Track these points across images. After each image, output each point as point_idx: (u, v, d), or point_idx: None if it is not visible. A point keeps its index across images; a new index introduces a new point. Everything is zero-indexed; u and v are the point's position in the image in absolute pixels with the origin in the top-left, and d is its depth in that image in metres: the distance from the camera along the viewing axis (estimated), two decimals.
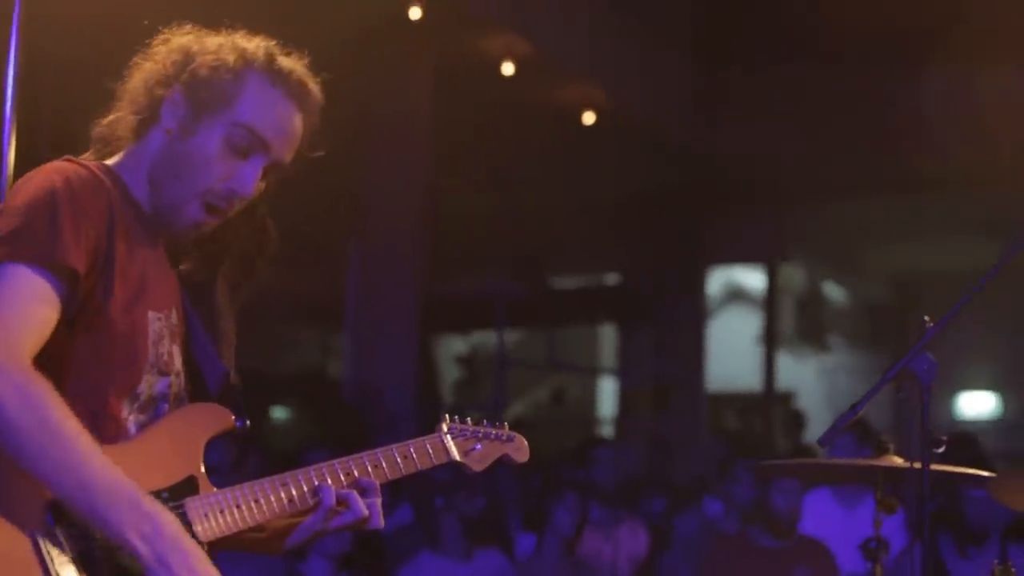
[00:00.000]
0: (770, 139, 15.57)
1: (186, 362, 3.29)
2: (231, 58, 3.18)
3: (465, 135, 13.73)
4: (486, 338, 19.83)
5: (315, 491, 3.25)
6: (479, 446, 3.59)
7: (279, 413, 17.72)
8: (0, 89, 4.26)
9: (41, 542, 2.80)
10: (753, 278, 20.26)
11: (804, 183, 16.45)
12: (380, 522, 3.32)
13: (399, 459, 3.40)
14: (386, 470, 3.37)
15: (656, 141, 15.78)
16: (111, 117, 3.29)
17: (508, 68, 13.13)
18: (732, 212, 17.36)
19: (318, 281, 15.54)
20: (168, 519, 2.83)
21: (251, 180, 3.16)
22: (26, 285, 2.86)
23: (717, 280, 20.27)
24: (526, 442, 3.72)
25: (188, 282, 3.35)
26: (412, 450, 3.43)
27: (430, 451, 3.47)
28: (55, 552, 2.80)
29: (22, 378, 2.77)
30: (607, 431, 19.27)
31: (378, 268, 13.32)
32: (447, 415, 3.61)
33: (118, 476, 2.81)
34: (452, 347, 21.01)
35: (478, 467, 3.60)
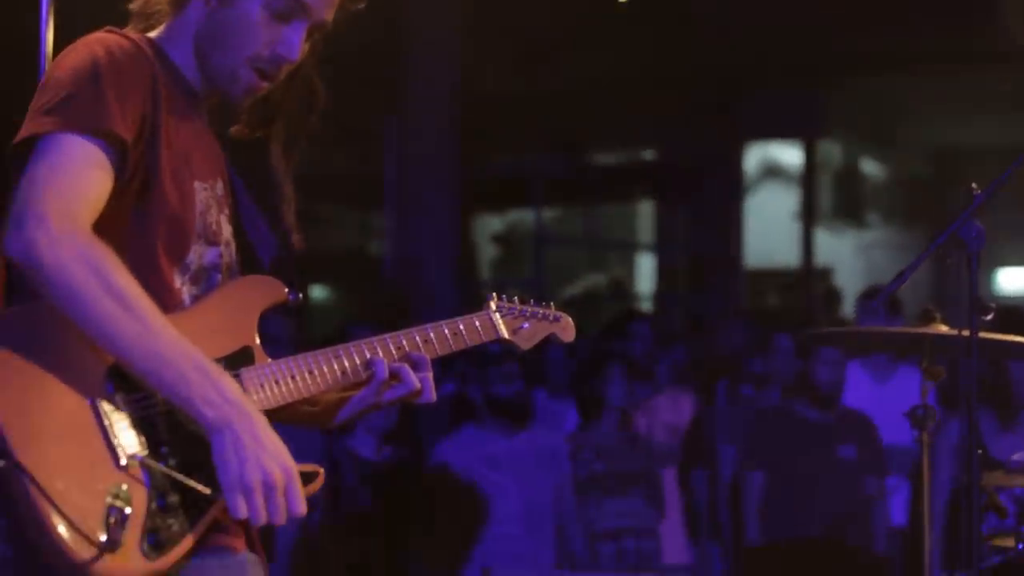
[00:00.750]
0: (807, 12, 15.42)
1: (236, 234, 3.32)
2: None
3: (499, 13, 13.65)
4: (524, 216, 19.82)
5: (368, 364, 3.27)
6: (527, 324, 3.60)
7: (320, 292, 17.84)
8: None
9: (100, 406, 2.82)
10: (790, 154, 20.16)
11: (842, 57, 16.32)
12: (432, 396, 3.34)
13: (449, 335, 3.41)
14: (436, 345, 3.38)
15: (691, 17, 15.65)
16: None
17: None
18: (769, 88, 17.26)
19: (356, 161, 15.56)
20: (233, 386, 2.87)
21: (296, 44, 3.17)
22: (79, 153, 2.88)
23: (754, 156, 20.17)
24: (572, 322, 3.74)
25: (234, 149, 3.38)
26: (461, 326, 3.44)
27: (479, 328, 3.48)
28: (114, 416, 2.83)
29: (84, 244, 2.79)
30: (645, 307, 19.27)
31: (416, 146, 13.34)
32: (495, 293, 3.62)
33: (182, 342, 2.84)
34: (490, 226, 21.02)
35: (525, 345, 3.62)
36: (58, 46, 3.88)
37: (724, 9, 15.56)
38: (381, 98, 13.52)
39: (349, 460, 7.38)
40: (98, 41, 3.04)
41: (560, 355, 9.60)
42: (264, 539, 3.16)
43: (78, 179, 2.87)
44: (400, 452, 7.72)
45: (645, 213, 21.11)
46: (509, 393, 7.55)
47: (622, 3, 13.76)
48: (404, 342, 3.34)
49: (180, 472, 2.87)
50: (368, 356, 3.28)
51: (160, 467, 2.84)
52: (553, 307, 3.72)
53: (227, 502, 2.84)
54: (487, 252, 20.40)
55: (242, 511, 2.83)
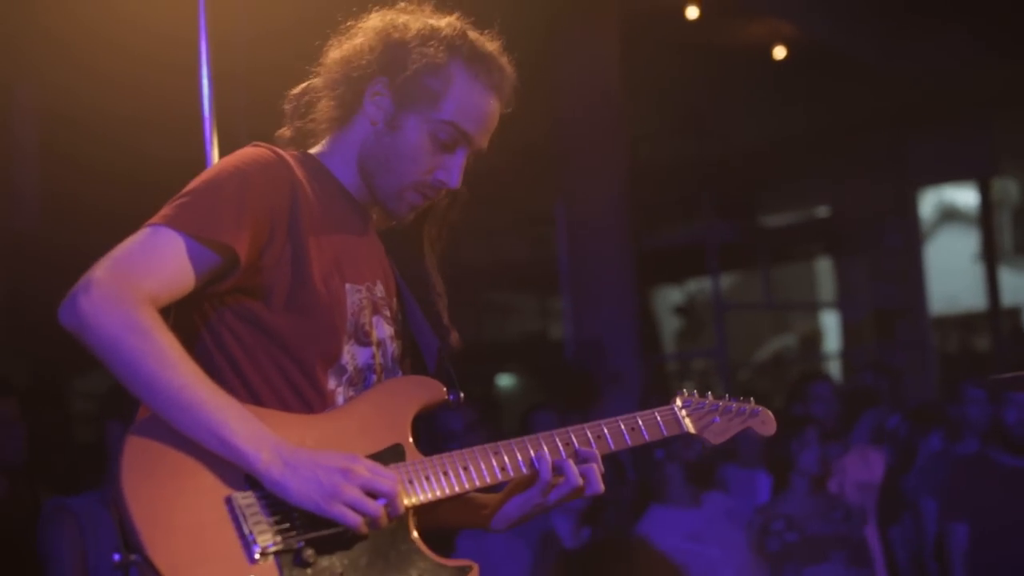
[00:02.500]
0: (967, 51, 15.20)
1: (400, 336, 3.37)
2: (434, 51, 3.25)
3: (656, 83, 13.69)
4: (702, 285, 19.76)
5: (531, 461, 3.23)
6: (717, 419, 3.56)
7: (505, 380, 17.91)
8: (198, 89, 4.43)
9: (235, 501, 2.86)
10: (966, 195, 19.86)
11: (1011, 92, 16.05)
12: (599, 487, 3.27)
13: (625, 430, 3.38)
14: (610, 441, 3.35)
15: (851, 67, 15.53)
16: (302, 87, 3.41)
17: (692, 12, 13.04)
18: (938, 130, 17.02)
19: (531, 248, 15.67)
20: (272, 432, 2.90)
21: (457, 172, 3.27)
22: (169, 244, 2.97)
23: (929, 201, 19.90)
24: (772, 415, 3.68)
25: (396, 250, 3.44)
26: (640, 422, 3.41)
27: (660, 423, 3.45)
28: (249, 511, 2.86)
29: (127, 307, 2.84)
30: (834, 366, 19.05)
31: (587, 225, 13.36)
32: (684, 390, 3.58)
33: (222, 395, 2.89)
34: (669, 298, 20.98)
35: (717, 440, 3.56)
36: None
37: (884, 56, 15.42)
38: (550, 182, 13.60)
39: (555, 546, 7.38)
40: (237, 154, 3.16)
41: None
42: None
43: (151, 261, 2.96)
44: (598, 533, 7.70)
45: (824, 270, 20.92)
46: (699, 456, 7.49)
47: (778, 60, 13.72)
48: (573, 438, 3.30)
49: (323, 567, 2.88)
50: (532, 453, 3.25)
51: (294, 564, 2.85)
52: (752, 401, 3.66)
53: (337, 519, 2.85)
54: (669, 324, 20.35)
55: (353, 518, 2.85)
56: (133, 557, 2.73)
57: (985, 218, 18.79)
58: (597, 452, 3.31)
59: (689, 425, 3.50)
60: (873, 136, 16.85)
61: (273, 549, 2.84)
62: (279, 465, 2.84)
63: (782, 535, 7.63)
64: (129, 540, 2.75)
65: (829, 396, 9.11)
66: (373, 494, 2.89)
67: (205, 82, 4.51)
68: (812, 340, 19.53)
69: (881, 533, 8.49)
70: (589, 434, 3.33)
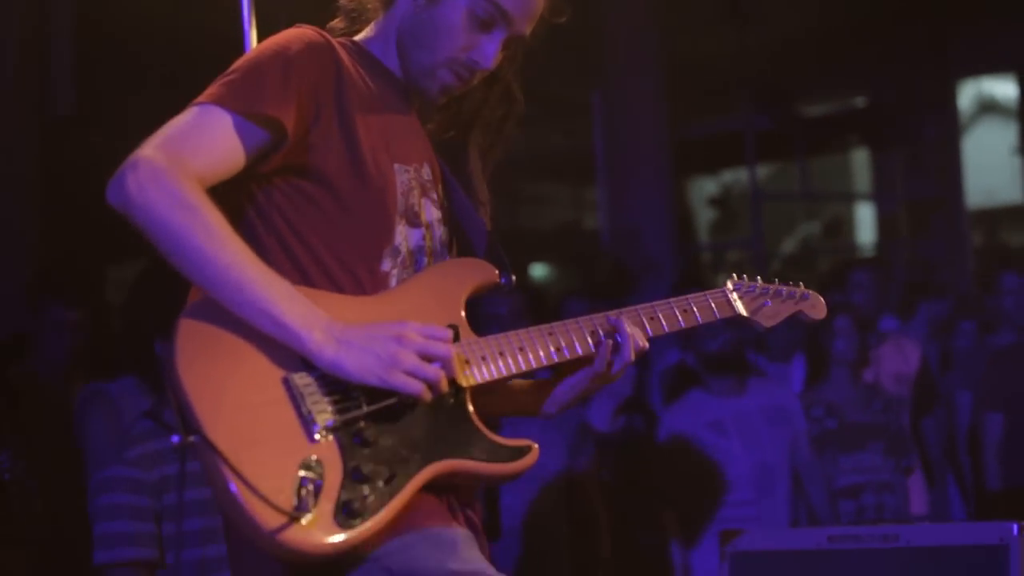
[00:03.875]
0: None
1: (448, 221, 3.33)
2: None
3: None
4: (738, 175, 19.70)
5: (586, 341, 3.20)
6: (768, 303, 3.52)
7: (539, 270, 17.92)
8: None
9: (292, 380, 2.83)
10: (1006, 88, 19.68)
11: None
12: (630, 356, 3.22)
13: (678, 312, 3.35)
14: (663, 322, 3.32)
15: None
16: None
17: None
18: (979, 20, 16.82)
19: (566, 136, 15.63)
20: (322, 311, 2.87)
21: (492, 53, 3.20)
22: (217, 122, 2.95)
23: (968, 93, 19.74)
24: (822, 300, 3.65)
25: (442, 151, 3.40)
26: (693, 304, 3.38)
27: (713, 306, 3.42)
28: (307, 390, 2.83)
29: (174, 183, 2.81)
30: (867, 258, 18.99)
31: (623, 116, 13.33)
32: (734, 274, 3.56)
33: (271, 274, 2.86)
34: (704, 188, 20.93)
35: (769, 323, 3.54)
36: None
37: None
38: (585, 72, 13.54)
39: (585, 432, 7.40)
40: (283, 34, 3.13)
41: None
42: (491, 519, 3.17)
43: (200, 139, 2.93)
44: (633, 421, 7.72)
45: (861, 161, 20.82)
46: (719, 346, 7.45)
47: None
48: (627, 318, 3.27)
49: (381, 444, 2.86)
50: (586, 332, 3.22)
51: (352, 440, 2.83)
52: (802, 286, 3.64)
53: (399, 389, 2.84)
54: (703, 215, 20.31)
55: (415, 385, 2.84)
56: (192, 438, 2.71)
57: None
58: (650, 331, 3.30)
59: (741, 308, 3.48)
60: (912, 26, 16.68)
61: (333, 426, 2.82)
62: (332, 344, 2.82)
63: (822, 421, 7.65)
64: (188, 422, 2.74)
65: (869, 284, 9.04)
66: (428, 358, 2.88)
67: (248, 21, 4.48)
68: (837, 225, 19.30)
69: (915, 424, 8.48)
70: (642, 315, 3.31)
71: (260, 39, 4.06)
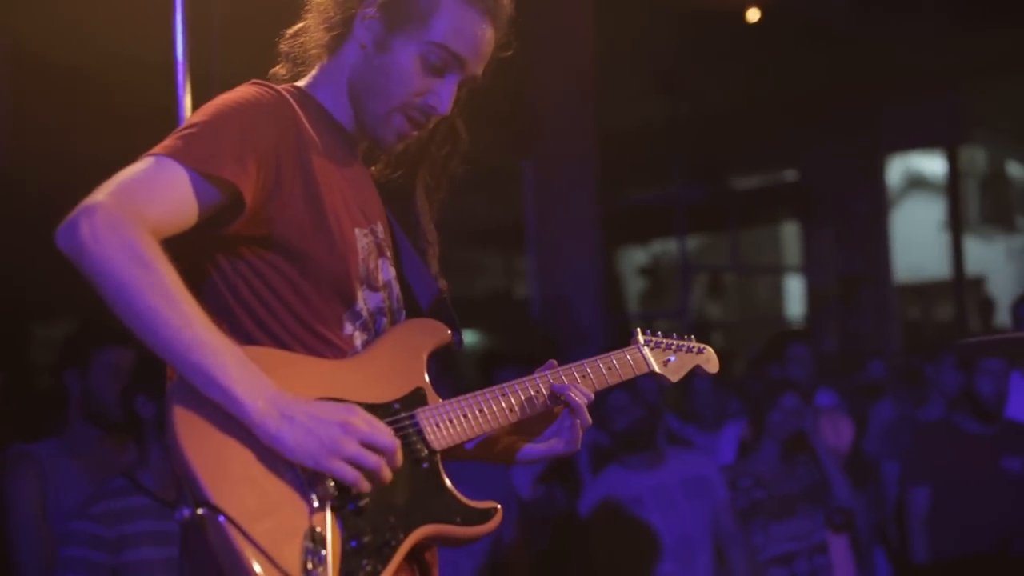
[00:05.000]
0: (940, 20, 15.23)
1: (399, 277, 3.35)
2: None
3: (629, 43, 13.65)
4: (668, 246, 19.80)
5: (553, 395, 3.30)
6: (673, 358, 3.62)
7: (469, 337, 17.91)
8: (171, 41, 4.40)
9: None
10: (933, 164, 19.92)
11: (978, 61, 16.09)
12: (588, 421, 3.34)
13: (604, 370, 3.43)
14: (593, 380, 3.41)
15: (823, 32, 15.55)
16: (298, 26, 3.36)
17: None
18: (908, 97, 17.06)
19: (498, 205, 15.66)
20: (269, 380, 2.83)
21: (447, 98, 3.21)
22: (173, 176, 2.89)
23: (896, 169, 19.95)
24: (714, 353, 3.74)
25: (388, 195, 3.41)
26: (615, 361, 3.47)
27: (631, 363, 3.51)
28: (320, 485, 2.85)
29: (131, 236, 2.74)
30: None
31: (554, 185, 13.35)
32: (639, 328, 3.63)
33: (222, 337, 2.81)
34: (635, 258, 21.01)
35: (674, 377, 3.62)
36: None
37: (856, 20, 15.43)
38: (517, 141, 13.58)
39: (511, 499, 7.37)
40: (240, 92, 3.10)
41: (707, 387, 9.55)
42: None
43: (155, 190, 2.87)
44: (553, 491, 7.69)
45: (790, 235, 20.98)
46: (626, 424, 7.46)
47: (751, 24, 13.69)
48: (564, 377, 3.36)
49: (372, 512, 2.90)
50: (533, 392, 3.30)
51: (347, 509, 2.86)
52: (694, 339, 3.72)
53: (332, 474, 2.80)
54: (634, 285, 20.38)
55: (352, 474, 2.81)
56: (201, 511, 2.68)
57: (952, 187, 18.85)
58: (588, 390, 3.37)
59: (654, 364, 3.56)
60: (843, 102, 16.89)
61: (332, 495, 2.83)
62: (275, 417, 2.77)
63: (749, 492, 7.66)
64: (194, 494, 2.71)
65: (806, 358, 9.11)
66: (372, 448, 2.85)
67: (179, 26, 4.48)
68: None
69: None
70: (576, 374, 3.38)
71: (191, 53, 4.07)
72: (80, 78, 9.22)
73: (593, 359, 3.44)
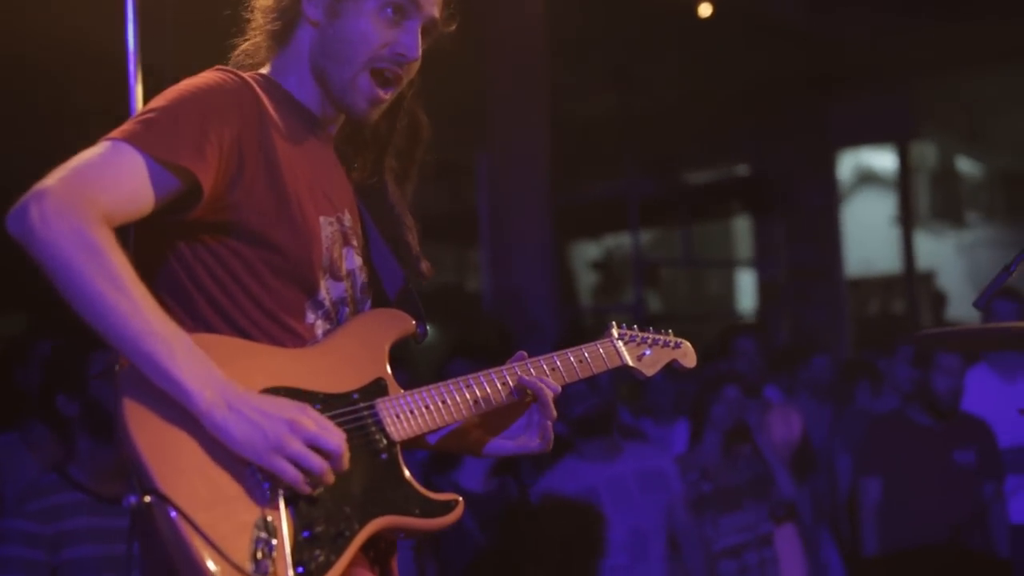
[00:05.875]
0: (890, 15, 15.28)
1: (367, 266, 3.33)
2: None
3: (582, 36, 13.67)
4: (621, 240, 19.81)
5: (517, 389, 3.30)
6: (648, 351, 3.63)
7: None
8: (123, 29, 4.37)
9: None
10: (884, 159, 20.01)
11: (929, 57, 16.17)
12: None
13: (575, 362, 3.43)
14: (563, 373, 3.40)
15: (775, 27, 15.59)
16: (245, 44, 3.34)
17: None
18: (859, 92, 17.12)
19: (450, 198, 15.64)
20: (218, 370, 2.81)
21: (413, 42, 3.19)
22: (129, 162, 2.86)
23: (847, 164, 20.03)
24: (692, 348, 3.75)
25: (362, 187, 3.40)
26: (586, 354, 3.47)
27: (603, 355, 3.51)
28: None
29: (81, 222, 2.72)
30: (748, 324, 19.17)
31: (507, 179, 13.33)
32: (614, 322, 3.63)
33: (172, 325, 2.79)
34: (587, 252, 21.02)
35: (649, 372, 3.63)
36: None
37: (807, 16, 15.47)
38: (471, 133, 13.56)
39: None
40: (202, 77, 3.07)
41: (661, 381, 9.55)
42: None
43: (109, 176, 2.84)
44: (506, 484, 7.66)
45: (742, 229, 21.04)
46: (584, 410, 7.46)
47: (703, 18, 13.72)
48: (532, 370, 3.35)
49: (326, 502, 2.88)
50: (501, 383, 3.30)
51: (301, 499, 2.85)
52: (672, 334, 3.72)
53: (274, 472, 2.79)
54: (585, 279, 20.39)
55: (293, 474, 2.80)
56: (148, 499, 2.67)
57: (903, 182, 18.93)
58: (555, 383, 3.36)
59: (627, 357, 3.56)
60: (794, 97, 16.93)
61: (280, 486, 2.81)
62: (222, 408, 2.76)
63: (697, 485, 7.69)
64: (142, 481, 2.70)
65: (753, 351, 9.15)
66: (318, 449, 2.83)
67: (130, 16, 4.44)
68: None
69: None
70: (545, 366, 3.38)
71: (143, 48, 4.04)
72: (29, 69, 9.14)
73: (564, 351, 3.43)
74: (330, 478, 2.86)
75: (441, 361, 9.45)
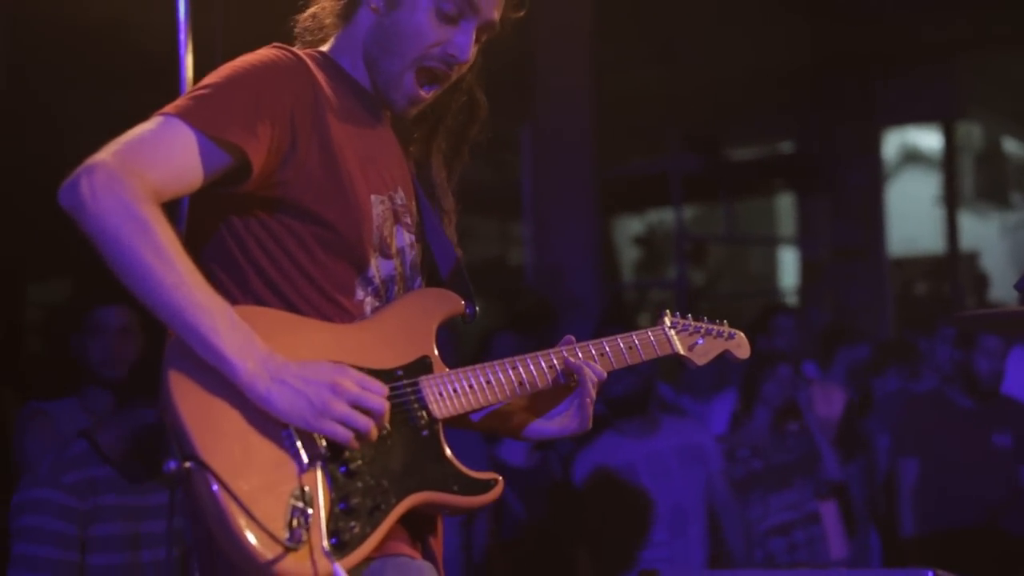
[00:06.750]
0: None
1: (420, 240, 3.36)
2: None
3: (629, 10, 13.64)
4: (664, 216, 19.77)
5: (545, 374, 3.31)
6: (701, 340, 3.64)
7: None
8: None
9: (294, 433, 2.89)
10: (930, 138, 19.89)
11: (976, 36, 16.07)
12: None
13: (624, 348, 3.45)
14: (612, 358, 3.42)
15: (822, 3, 15.53)
16: (312, 10, 3.36)
17: None
18: (905, 71, 17.02)
19: (494, 171, 15.65)
20: (262, 343, 2.87)
21: (466, 44, 3.21)
22: (181, 138, 2.93)
23: (893, 142, 19.92)
24: (746, 339, 3.76)
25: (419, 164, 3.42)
26: (636, 340, 3.49)
27: (654, 343, 3.53)
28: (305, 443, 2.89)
29: (130, 196, 2.80)
30: (790, 302, 19.12)
31: (551, 152, 13.34)
32: (668, 310, 3.65)
33: (217, 298, 2.86)
34: (630, 227, 20.99)
35: (701, 361, 3.64)
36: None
37: None
38: (515, 106, 13.57)
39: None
40: (258, 54, 3.12)
41: None
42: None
43: (160, 151, 2.92)
44: (548, 459, 7.71)
45: (785, 207, 20.96)
46: (622, 390, 7.48)
47: None
48: (580, 354, 3.37)
49: (365, 476, 2.94)
50: (548, 364, 3.33)
51: (339, 471, 2.91)
52: (727, 324, 3.73)
53: (327, 435, 2.87)
54: (628, 254, 20.36)
55: (343, 434, 2.87)
56: (188, 464, 2.75)
57: (948, 162, 18.83)
58: (602, 368, 3.38)
59: (679, 346, 3.58)
60: (839, 75, 16.86)
61: (322, 456, 2.88)
62: (264, 379, 2.83)
63: (748, 462, 7.71)
64: (183, 448, 2.78)
65: (791, 328, 9.17)
66: (361, 409, 2.90)
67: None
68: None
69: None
70: (593, 351, 3.40)
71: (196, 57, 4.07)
72: (79, 39, 9.19)
73: (613, 337, 3.45)
74: (374, 436, 2.93)
75: (483, 334, 9.49)
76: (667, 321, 3.60)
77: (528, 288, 13.48)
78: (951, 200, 18.59)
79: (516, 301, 13.76)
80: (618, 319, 9.64)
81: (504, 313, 13.81)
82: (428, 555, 3.18)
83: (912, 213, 19.14)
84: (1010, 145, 20.94)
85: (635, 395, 7.52)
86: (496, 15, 3.27)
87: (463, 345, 10.00)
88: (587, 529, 7.54)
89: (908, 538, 8.02)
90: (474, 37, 3.23)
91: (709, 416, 8.84)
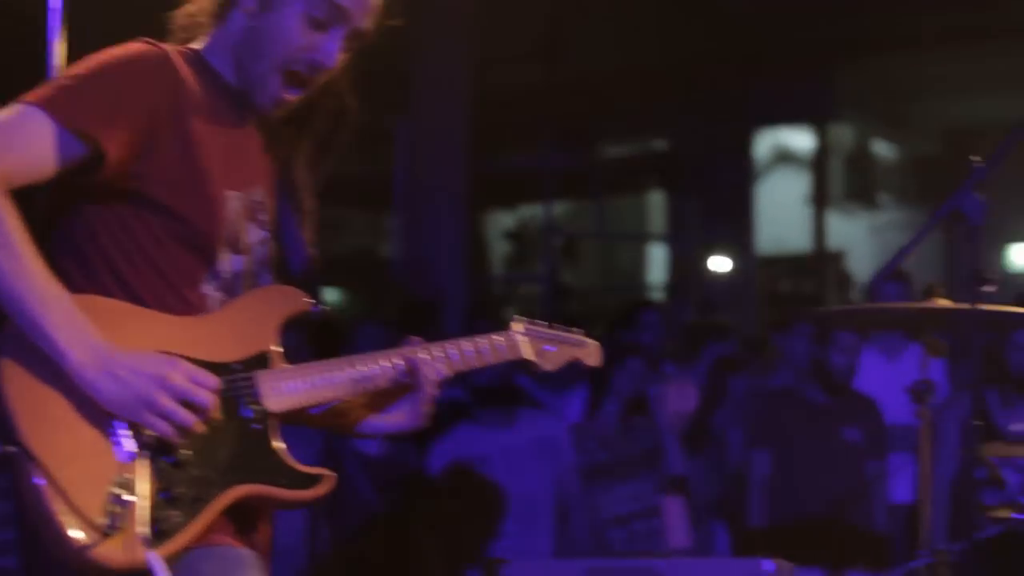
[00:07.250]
0: None
1: (273, 241, 3.36)
2: None
3: (509, 5, 13.68)
4: (536, 211, 19.85)
5: (410, 369, 3.32)
6: (551, 347, 3.63)
7: (331, 295, 17.86)
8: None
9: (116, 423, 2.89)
10: (801, 138, 20.11)
11: (850, 38, 16.29)
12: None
13: (471, 352, 3.45)
14: (456, 361, 3.42)
15: (697, 4, 15.66)
16: (189, 8, 3.35)
17: None
18: (777, 71, 17.22)
19: (366, 163, 15.64)
20: (97, 334, 2.89)
21: (333, 52, 3.20)
22: (33, 124, 2.94)
23: (765, 142, 20.12)
24: (598, 346, 3.78)
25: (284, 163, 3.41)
26: (484, 344, 3.49)
27: (503, 346, 3.53)
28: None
29: None
30: (658, 298, 19.28)
31: (425, 146, 13.36)
32: (516, 315, 3.65)
33: (56, 287, 2.88)
34: (502, 222, 21.03)
35: (550, 367, 3.64)
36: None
37: None
38: (390, 98, 13.56)
39: (352, 457, 7.38)
40: (124, 48, 3.11)
41: None
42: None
43: (15, 139, 2.93)
44: (401, 448, 7.72)
45: (656, 204, 21.10)
46: (487, 379, 7.52)
47: None
48: (420, 353, 3.37)
49: (191, 466, 2.94)
50: (391, 363, 3.32)
51: (164, 461, 2.91)
52: (580, 332, 3.75)
53: (149, 428, 2.88)
54: (498, 249, 20.41)
55: (163, 427, 2.89)
56: (12, 449, 2.76)
57: (818, 162, 19.07)
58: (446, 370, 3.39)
59: (527, 351, 3.58)
60: (714, 74, 17.01)
61: (147, 446, 2.88)
62: (93, 368, 2.84)
63: (594, 453, 7.78)
64: (8, 432, 2.79)
65: (657, 325, 9.28)
66: (187, 404, 2.92)
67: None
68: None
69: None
70: (437, 352, 3.40)
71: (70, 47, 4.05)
72: None
73: (459, 340, 3.46)
74: (200, 428, 2.94)
75: (351, 324, 9.49)
76: (520, 327, 3.60)
77: (394, 283, 13.49)
78: (820, 200, 18.83)
79: (383, 293, 13.76)
80: (484, 313, 9.69)
81: (372, 305, 13.81)
82: (255, 547, 3.17)
83: (782, 212, 19.34)
84: (879, 147, 21.21)
85: (500, 387, 7.56)
86: (367, 23, 3.27)
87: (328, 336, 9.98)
88: (438, 520, 7.56)
89: (756, 529, 8.12)
90: (341, 44, 3.24)
91: (565, 408, 8.90)
